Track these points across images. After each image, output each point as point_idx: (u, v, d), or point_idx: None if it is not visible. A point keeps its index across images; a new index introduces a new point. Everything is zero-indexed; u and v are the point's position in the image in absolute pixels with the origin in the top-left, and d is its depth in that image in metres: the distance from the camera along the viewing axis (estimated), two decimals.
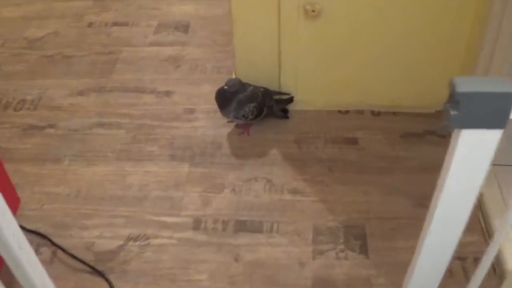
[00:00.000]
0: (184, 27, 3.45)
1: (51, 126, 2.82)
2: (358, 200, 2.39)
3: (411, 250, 1.45)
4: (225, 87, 2.58)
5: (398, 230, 2.26)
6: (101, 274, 2.16)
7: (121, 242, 2.28)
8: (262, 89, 2.67)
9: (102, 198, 2.46)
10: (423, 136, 2.66)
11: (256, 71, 2.72)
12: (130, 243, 2.28)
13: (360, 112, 2.81)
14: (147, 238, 2.29)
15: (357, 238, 2.25)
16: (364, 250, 2.20)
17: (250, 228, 2.31)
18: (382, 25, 2.55)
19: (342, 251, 2.21)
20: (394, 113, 2.79)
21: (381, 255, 2.18)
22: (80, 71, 3.15)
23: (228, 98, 2.59)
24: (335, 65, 2.69)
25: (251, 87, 2.65)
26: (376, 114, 2.80)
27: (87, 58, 3.24)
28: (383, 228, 2.27)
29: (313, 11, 2.49)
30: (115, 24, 3.52)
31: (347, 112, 2.81)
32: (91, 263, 2.19)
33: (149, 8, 3.65)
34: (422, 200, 2.33)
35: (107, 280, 2.14)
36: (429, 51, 2.61)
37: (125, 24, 3.51)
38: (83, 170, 2.59)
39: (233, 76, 2.74)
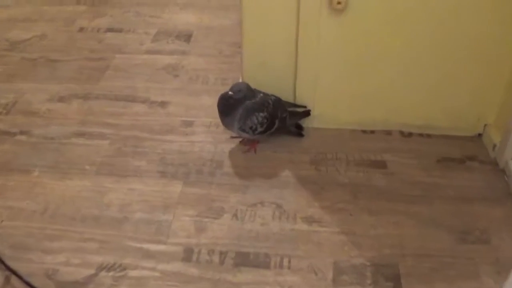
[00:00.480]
0: (186, 36, 2.97)
1: (23, 133, 2.32)
2: (389, 233, 1.88)
3: None
4: (230, 93, 2.07)
5: (439, 271, 1.76)
6: None
7: (91, 272, 1.76)
8: (273, 98, 2.16)
9: (73, 217, 1.94)
10: (463, 161, 2.16)
11: (267, 77, 2.22)
12: (102, 273, 1.75)
13: (388, 132, 2.30)
14: (124, 269, 1.76)
15: (388, 279, 1.73)
16: None
17: (254, 263, 1.78)
18: (421, 28, 2.06)
19: None
20: (428, 135, 2.27)
21: None
22: (64, 76, 2.66)
23: (233, 105, 2.08)
24: (361, 74, 2.19)
25: (261, 94, 2.14)
26: (406, 135, 2.28)
27: (74, 63, 2.75)
28: (421, 268, 1.76)
29: (339, 2, 1.99)
30: (109, 30, 3.04)
31: (372, 132, 2.30)
32: None
33: (148, 15, 3.19)
34: (465, 235, 1.86)
35: None
36: (472, 65, 2.12)
37: (119, 30, 3.04)
38: (54, 184, 2.07)
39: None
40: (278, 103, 2.17)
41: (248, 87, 2.10)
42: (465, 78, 2.15)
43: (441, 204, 1.97)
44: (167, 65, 2.72)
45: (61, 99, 2.50)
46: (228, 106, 2.09)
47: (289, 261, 1.78)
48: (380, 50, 2.12)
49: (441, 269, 1.75)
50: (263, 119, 2.09)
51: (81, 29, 3.05)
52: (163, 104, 2.46)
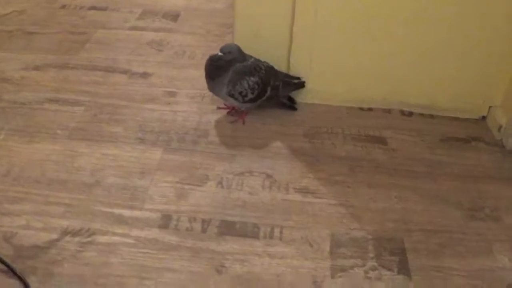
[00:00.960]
0: (173, 16, 2.72)
1: None
2: (391, 207, 1.61)
3: (467, 272, 1.37)
4: (220, 54, 1.81)
5: (448, 246, 1.50)
6: (17, 274, 1.35)
7: (54, 236, 1.48)
8: (266, 64, 1.90)
9: (38, 180, 1.66)
10: (468, 141, 1.92)
11: (259, 45, 1.97)
12: (67, 238, 1.47)
13: (387, 111, 2.05)
14: (92, 234, 1.48)
15: (393, 253, 1.47)
16: (404, 269, 1.43)
17: (241, 232, 1.51)
18: (428, 1, 1.83)
19: (373, 269, 1.42)
20: (430, 116, 2.02)
21: (428, 277, 1.41)
22: (42, 47, 2.39)
23: (222, 67, 1.82)
24: (360, 46, 1.94)
25: (252, 59, 1.88)
26: (407, 114, 2.04)
27: (53, 36, 2.48)
28: (428, 243, 1.51)
29: None
30: (92, 8, 2.77)
31: (370, 109, 2.05)
32: (7, 259, 1.38)
33: None
34: (474, 212, 1.62)
35: (24, 283, 1.34)
36: (479, 45, 1.89)
37: (104, 9, 2.77)
38: (21, 147, 1.80)
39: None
40: (271, 69, 1.91)
41: (239, 49, 1.85)
42: (471, 57, 1.91)
43: (446, 181, 1.72)
44: (151, 41, 2.46)
45: (36, 68, 2.22)
46: (217, 68, 1.83)
47: (281, 232, 1.51)
48: (381, 23, 1.88)
49: (450, 244, 1.50)
50: (254, 84, 1.83)
51: (64, 6, 2.78)
52: (145, 75, 2.20)
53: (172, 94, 2.08)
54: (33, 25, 2.57)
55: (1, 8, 2.74)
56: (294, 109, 2.01)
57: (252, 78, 1.83)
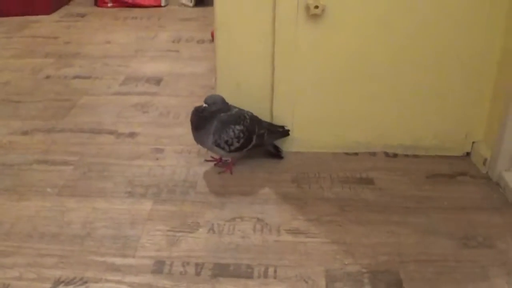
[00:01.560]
0: (155, 81, 2.77)
1: None
2: (384, 241, 1.62)
3: None
4: (204, 105, 1.84)
5: (444, 274, 1.50)
6: None
7: (47, 286, 1.47)
8: (250, 113, 1.93)
9: (29, 235, 1.65)
10: (454, 177, 1.95)
11: (242, 96, 2.00)
12: (60, 287, 1.45)
13: (372, 154, 2.07)
14: (85, 282, 1.47)
15: (390, 284, 1.47)
16: None
17: (235, 273, 1.51)
18: (404, 41, 1.91)
19: None
20: (415, 156, 2.05)
21: None
22: (28, 114, 2.41)
23: (207, 118, 1.85)
24: (341, 92, 1.99)
25: (236, 109, 1.91)
26: (391, 156, 2.06)
27: (39, 104, 2.51)
28: (424, 273, 1.51)
29: (317, 7, 1.83)
30: (76, 77, 2.81)
31: (356, 154, 2.07)
32: None
33: (116, 65, 2.98)
34: (467, 240, 1.63)
35: None
36: (456, 81, 1.96)
37: (87, 77, 2.81)
38: (10, 205, 1.79)
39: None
40: (255, 118, 1.94)
41: (223, 100, 1.88)
42: (450, 95, 1.97)
43: (437, 214, 1.74)
44: (136, 104, 2.50)
45: (23, 133, 2.23)
46: (202, 119, 1.86)
47: (275, 271, 1.51)
48: (360, 65, 1.94)
49: (446, 272, 1.50)
50: (240, 133, 1.86)
51: (47, 76, 2.82)
52: (131, 135, 2.22)
53: (159, 150, 2.10)
54: (18, 95, 2.60)
55: None
56: (281, 157, 2.04)
57: (237, 127, 1.86)
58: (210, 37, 3.31)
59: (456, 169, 1.98)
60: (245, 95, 2.01)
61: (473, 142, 2.03)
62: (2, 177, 1.93)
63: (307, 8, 1.85)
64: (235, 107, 1.91)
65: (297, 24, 1.88)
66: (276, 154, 2.04)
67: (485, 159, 1.93)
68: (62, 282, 1.46)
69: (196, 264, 1.53)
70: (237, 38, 1.92)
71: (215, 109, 1.85)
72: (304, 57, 1.93)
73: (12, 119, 2.36)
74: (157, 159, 2.04)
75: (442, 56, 1.91)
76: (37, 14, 3.94)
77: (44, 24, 3.78)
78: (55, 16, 4.01)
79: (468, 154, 2.05)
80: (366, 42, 1.90)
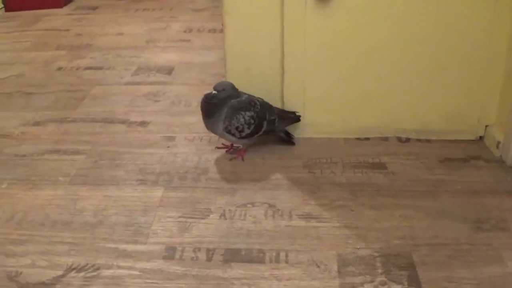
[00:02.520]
0: (167, 70, 2.76)
1: None
2: (396, 225, 1.60)
3: (479, 280, 1.36)
4: (214, 92, 1.83)
5: (457, 257, 1.48)
6: None
7: (59, 273, 1.46)
8: (260, 100, 1.91)
9: (41, 223, 1.65)
10: (467, 160, 1.92)
11: (252, 81, 1.99)
12: (72, 274, 1.45)
13: (384, 139, 2.05)
14: (97, 269, 1.46)
15: (402, 268, 1.44)
16: (414, 282, 1.40)
17: (247, 258, 1.49)
18: (412, 21, 1.87)
19: (383, 284, 1.40)
20: (427, 140, 2.03)
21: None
22: (41, 105, 2.42)
23: (217, 105, 1.84)
24: (351, 75, 1.97)
25: (246, 95, 1.90)
26: (404, 141, 2.03)
27: (51, 95, 2.51)
28: (437, 256, 1.49)
29: None
30: (88, 68, 2.81)
31: (367, 139, 2.05)
32: None
33: (128, 56, 2.97)
34: (480, 224, 1.61)
35: None
36: (467, 63, 1.93)
37: (99, 68, 2.81)
38: (23, 194, 1.80)
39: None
40: (266, 104, 1.93)
41: (232, 86, 1.87)
42: (461, 78, 1.95)
43: (449, 198, 1.71)
44: (147, 93, 2.49)
45: (36, 123, 2.24)
46: (212, 106, 1.84)
47: (286, 256, 1.49)
48: (370, 47, 1.92)
49: (459, 256, 1.48)
50: (250, 119, 1.85)
51: (60, 68, 2.83)
52: (143, 123, 2.21)
53: (170, 138, 2.09)
54: (31, 86, 2.61)
55: None
56: (292, 143, 2.02)
57: (247, 113, 1.84)
58: (221, 27, 3.28)
59: (469, 153, 1.95)
60: (255, 80, 1.99)
61: (486, 126, 1.99)
62: (15, 167, 1.94)
63: None
64: (245, 94, 1.90)
65: (306, 8, 1.86)
66: (288, 140, 2.02)
67: (498, 142, 1.90)
68: (74, 269, 1.46)
69: (208, 250, 1.52)
70: (245, 23, 1.91)
71: (225, 95, 1.84)
72: (313, 41, 1.91)
73: (25, 110, 2.37)
74: (168, 147, 2.03)
75: (452, 39, 1.89)
76: (49, 8, 3.96)
77: (56, 17, 3.79)
78: (67, 9, 4.02)
79: (481, 138, 2.02)
80: (375, 24, 1.88)
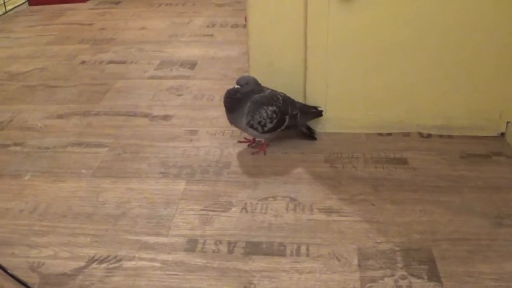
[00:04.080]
0: (190, 65, 2.79)
1: (17, 144, 2.10)
2: (417, 220, 1.61)
3: (499, 276, 1.37)
4: (237, 86, 1.85)
5: (477, 253, 1.48)
6: None
7: (81, 264, 1.49)
8: (282, 94, 1.93)
9: (64, 215, 1.68)
10: (489, 157, 1.92)
11: (275, 75, 2.01)
12: (94, 265, 1.48)
13: (405, 134, 2.05)
14: (119, 260, 1.49)
15: (422, 262, 1.45)
16: (434, 276, 1.41)
17: (268, 251, 1.51)
18: (436, 17, 1.87)
19: (403, 278, 1.40)
20: (449, 136, 2.03)
21: (459, 282, 1.39)
22: (64, 98, 2.45)
23: (240, 100, 1.85)
24: (374, 70, 1.97)
25: (269, 90, 1.91)
26: (425, 136, 2.04)
27: (75, 88, 2.55)
28: (457, 251, 1.49)
29: None
30: (111, 62, 2.85)
31: (389, 134, 2.06)
32: (34, 287, 1.38)
33: (151, 50, 3.01)
34: (501, 219, 1.60)
35: None
36: (489, 59, 1.92)
37: (122, 62, 2.85)
38: (46, 186, 1.83)
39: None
40: (288, 99, 1.94)
41: (255, 80, 1.89)
42: (483, 73, 1.94)
43: (470, 193, 1.72)
44: (170, 87, 2.52)
45: (59, 116, 2.28)
46: (235, 101, 1.86)
47: (307, 249, 1.51)
48: (392, 42, 1.92)
49: (480, 251, 1.48)
50: (273, 114, 1.86)
51: (83, 62, 2.87)
52: (166, 117, 2.24)
53: (193, 132, 2.11)
54: (55, 80, 2.65)
55: (22, 66, 2.84)
56: (314, 138, 2.03)
57: (270, 108, 1.86)
58: (244, 22, 3.31)
59: (490, 149, 1.95)
60: (278, 74, 2.01)
61: (507, 122, 1.99)
62: (38, 160, 1.97)
63: None
64: (268, 88, 1.91)
65: (329, 3, 1.87)
66: (309, 135, 2.04)
67: None
68: (96, 260, 1.49)
69: (229, 243, 1.54)
70: (269, 17, 1.92)
71: (248, 90, 1.85)
72: (336, 36, 1.92)
73: (48, 103, 2.41)
74: (191, 140, 2.06)
75: (475, 35, 1.88)
76: (73, 2, 4.01)
77: (80, 12, 3.84)
78: (90, 4, 4.07)
79: (502, 134, 2.02)
80: (397, 19, 1.88)
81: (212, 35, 3.26)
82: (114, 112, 2.29)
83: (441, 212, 1.63)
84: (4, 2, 3.85)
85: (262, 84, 1.91)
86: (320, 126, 2.07)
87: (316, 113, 2.01)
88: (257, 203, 1.70)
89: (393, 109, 2.03)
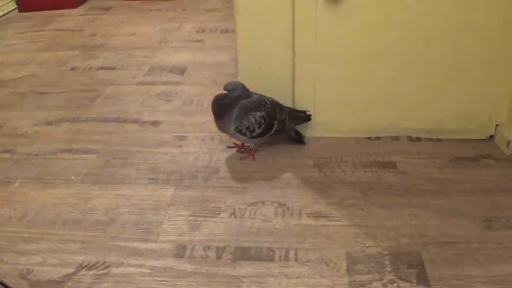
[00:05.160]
0: (179, 70, 2.79)
1: (6, 151, 2.09)
2: (406, 224, 1.61)
3: (488, 279, 1.36)
4: (224, 92, 1.84)
5: (466, 256, 1.48)
6: None
7: (70, 270, 1.48)
8: (271, 99, 1.93)
9: (53, 222, 1.68)
10: (478, 160, 1.92)
11: (264, 80, 2.01)
12: (82, 272, 1.47)
13: (394, 138, 2.05)
14: (107, 267, 1.48)
15: (410, 266, 1.45)
16: (423, 280, 1.41)
17: (256, 256, 1.51)
18: (423, 20, 1.88)
19: (392, 282, 1.40)
20: (438, 139, 2.03)
21: (448, 286, 1.39)
22: (53, 105, 2.45)
23: (228, 106, 1.85)
24: (362, 74, 1.98)
25: (257, 95, 1.91)
26: (414, 140, 2.04)
27: (64, 94, 2.55)
28: (446, 254, 1.49)
29: None
30: (101, 68, 2.85)
31: (378, 138, 2.06)
32: None
33: (141, 56, 3.01)
34: (490, 222, 1.61)
35: None
36: (478, 62, 1.93)
37: (112, 68, 2.84)
38: (35, 193, 1.82)
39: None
40: (276, 104, 1.94)
41: (243, 86, 1.89)
42: (472, 77, 1.95)
43: (459, 196, 1.72)
44: (160, 93, 2.52)
45: (48, 123, 2.27)
46: (223, 107, 1.86)
47: (296, 254, 1.51)
48: (381, 46, 1.93)
49: (469, 254, 1.48)
50: (261, 119, 1.86)
51: (73, 68, 2.86)
52: (155, 123, 2.23)
53: (182, 138, 2.11)
54: (44, 86, 2.64)
55: (12, 73, 2.83)
56: (303, 143, 2.03)
57: (258, 113, 1.86)
58: (233, 27, 3.31)
59: (479, 152, 1.95)
60: (266, 79, 2.01)
61: (496, 125, 2.00)
62: (27, 166, 1.96)
63: None
64: (256, 94, 1.91)
65: (317, 7, 1.87)
66: (298, 139, 2.04)
67: (509, 141, 1.91)
68: (85, 267, 1.48)
69: (217, 248, 1.53)
70: (257, 22, 1.93)
71: (236, 95, 1.85)
72: (325, 40, 1.92)
73: (38, 110, 2.40)
74: (180, 146, 2.05)
75: (464, 38, 1.89)
76: (63, 8, 4.00)
77: (70, 18, 3.84)
78: (80, 10, 4.07)
79: (491, 137, 2.02)
80: (386, 23, 1.89)
81: (201, 40, 3.26)
82: (103, 119, 2.28)
83: (430, 215, 1.63)
84: None
85: (251, 89, 1.91)
86: (309, 131, 2.07)
87: (304, 117, 2.01)
88: (245, 208, 1.69)
89: (382, 113, 2.03)
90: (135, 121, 2.25)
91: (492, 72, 1.93)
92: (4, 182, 1.88)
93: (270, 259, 1.49)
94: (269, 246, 1.54)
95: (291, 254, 1.50)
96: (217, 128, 1.93)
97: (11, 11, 4.00)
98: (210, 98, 1.95)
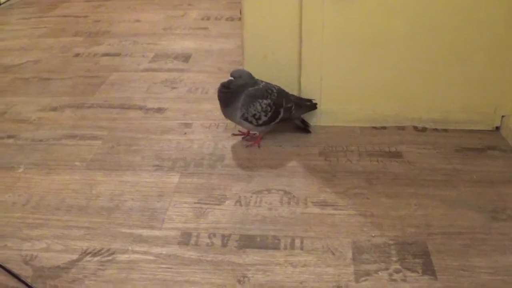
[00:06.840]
0: (184, 57, 2.77)
1: (10, 136, 2.08)
2: (412, 214, 1.59)
3: (494, 269, 1.35)
4: (231, 78, 1.83)
5: (472, 246, 1.47)
6: None
7: (74, 257, 1.47)
8: (277, 87, 1.91)
9: (57, 207, 1.66)
10: (484, 150, 1.91)
11: (270, 68, 1.99)
12: (87, 258, 1.46)
13: (400, 128, 2.04)
14: (112, 253, 1.47)
15: (416, 256, 1.44)
16: (429, 270, 1.40)
17: (262, 244, 1.50)
18: (429, 10, 1.86)
19: (397, 271, 1.39)
20: (444, 130, 2.02)
21: (454, 276, 1.38)
22: (58, 91, 2.44)
23: (234, 93, 1.84)
24: (369, 63, 1.96)
25: (263, 83, 1.90)
26: (420, 130, 2.02)
27: (69, 80, 2.53)
28: (452, 245, 1.48)
29: None
30: (105, 54, 2.83)
31: (384, 128, 2.04)
32: (27, 280, 1.37)
33: (146, 43, 2.99)
34: (496, 213, 1.60)
35: None
36: (483, 53, 1.91)
37: (116, 55, 2.83)
38: (40, 178, 1.81)
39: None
40: (283, 92, 1.92)
41: (249, 74, 1.87)
42: (478, 67, 1.94)
43: (465, 187, 1.71)
44: (164, 80, 2.50)
45: (53, 109, 2.26)
46: (229, 95, 1.85)
47: (302, 242, 1.49)
48: (388, 36, 1.91)
49: (474, 245, 1.47)
50: (267, 107, 1.85)
51: (77, 54, 2.85)
52: (160, 110, 2.22)
53: (187, 125, 2.10)
54: (49, 72, 2.63)
55: (16, 58, 2.82)
56: (308, 131, 2.02)
57: (264, 101, 1.84)
58: (239, 15, 3.29)
59: (485, 143, 1.94)
60: (272, 67, 1.99)
61: (502, 116, 1.98)
62: (31, 152, 1.95)
63: None
64: (262, 81, 1.90)
65: None
66: (304, 128, 2.02)
67: None
68: (89, 253, 1.47)
69: (223, 236, 1.52)
70: (264, 10, 1.91)
71: (242, 82, 1.84)
72: (331, 29, 1.91)
73: (42, 96, 2.39)
74: (185, 133, 2.04)
75: (469, 28, 1.87)
76: None
77: (74, 4, 3.82)
78: None
79: (497, 128, 2.01)
80: (392, 13, 1.87)
81: (206, 28, 3.24)
82: (108, 105, 2.27)
83: (436, 205, 1.62)
84: None
85: (257, 77, 1.89)
86: (315, 119, 2.06)
87: (310, 106, 2.00)
88: (251, 196, 1.68)
89: (388, 103, 2.01)
90: (140, 108, 2.24)
91: (498, 63, 1.91)
92: (8, 167, 1.87)
93: (276, 247, 1.48)
94: (274, 234, 1.53)
95: (297, 242, 1.49)
96: (222, 116, 1.92)
97: None
98: (215, 86, 1.94)
